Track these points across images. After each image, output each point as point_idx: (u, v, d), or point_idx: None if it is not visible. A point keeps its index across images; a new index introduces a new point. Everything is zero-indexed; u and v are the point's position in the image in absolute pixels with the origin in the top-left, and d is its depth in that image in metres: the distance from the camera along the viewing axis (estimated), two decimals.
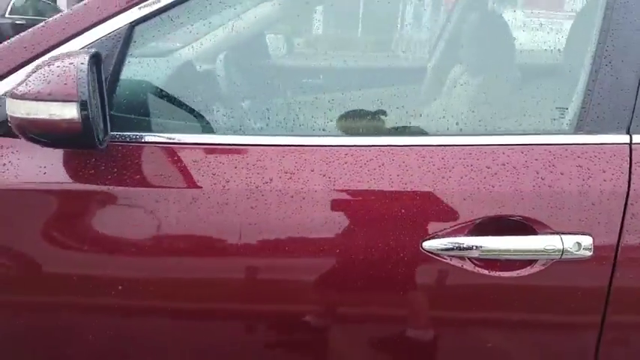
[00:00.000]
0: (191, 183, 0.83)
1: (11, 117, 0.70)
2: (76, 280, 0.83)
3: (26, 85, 0.68)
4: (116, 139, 0.83)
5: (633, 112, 0.85)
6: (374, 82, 1.14)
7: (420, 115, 1.00)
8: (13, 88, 0.70)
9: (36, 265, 0.83)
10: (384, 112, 0.94)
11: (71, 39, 0.85)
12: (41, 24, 0.88)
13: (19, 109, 0.69)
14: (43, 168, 0.81)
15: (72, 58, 0.70)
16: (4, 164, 0.81)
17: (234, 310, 0.86)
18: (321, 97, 0.99)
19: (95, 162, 0.81)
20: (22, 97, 0.68)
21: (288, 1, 1.32)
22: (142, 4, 0.86)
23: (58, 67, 0.69)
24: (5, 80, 0.84)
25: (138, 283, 0.83)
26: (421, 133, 0.93)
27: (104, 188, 0.81)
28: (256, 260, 0.83)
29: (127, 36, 0.85)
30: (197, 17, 0.93)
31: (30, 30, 0.88)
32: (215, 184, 0.81)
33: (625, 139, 0.84)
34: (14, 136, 0.78)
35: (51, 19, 0.89)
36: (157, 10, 0.86)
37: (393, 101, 0.99)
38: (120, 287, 0.82)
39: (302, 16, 1.38)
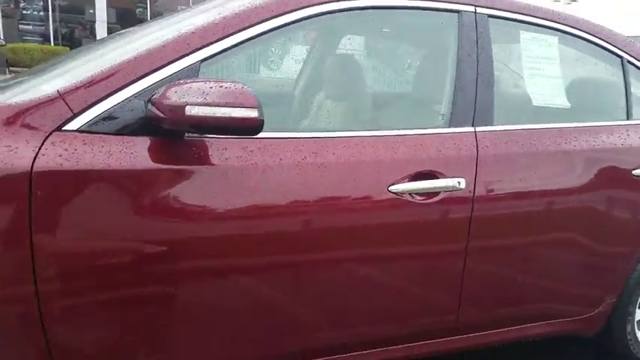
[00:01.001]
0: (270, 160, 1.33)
1: (192, 116, 1.12)
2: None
3: (206, 97, 1.11)
4: None
5: (474, 114, 1.63)
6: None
7: None
8: (188, 100, 1.11)
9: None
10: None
11: (155, 71, 1.27)
12: (131, 57, 1.27)
13: (204, 112, 1.11)
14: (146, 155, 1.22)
15: (233, 82, 1.16)
16: (132, 153, 1.20)
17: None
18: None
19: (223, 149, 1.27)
20: (208, 104, 1.11)
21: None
22: (205, 48, 1.33)
23: (232, 87, 1.14)
24: (105, 101, 1.21)
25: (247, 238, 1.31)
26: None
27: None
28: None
29: (197, 69, 1.31)
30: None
31: (120, 64, 1.26)
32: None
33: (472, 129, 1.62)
34: (135, 135, 1.19)
35: (140, 53, 1.28)
36: (215, 53, 1.34)
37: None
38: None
39: None
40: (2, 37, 12.81)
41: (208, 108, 1.12)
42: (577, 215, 1.79)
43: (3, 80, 1.79)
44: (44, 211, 1.11)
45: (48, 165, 1.11)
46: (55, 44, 15.48)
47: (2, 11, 14.90)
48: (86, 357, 1.23)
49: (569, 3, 32.90)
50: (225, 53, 1.35)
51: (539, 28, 1.87)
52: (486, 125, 1.66)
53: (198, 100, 1.12)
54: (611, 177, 1.85)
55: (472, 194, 1.56)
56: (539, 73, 1.89)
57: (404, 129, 1.57)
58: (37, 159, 1.10)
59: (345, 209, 1.43)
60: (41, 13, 15.78)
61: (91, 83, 1.22)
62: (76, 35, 16.78)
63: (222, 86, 1.14)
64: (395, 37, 2.04)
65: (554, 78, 1.93)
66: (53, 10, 15.90)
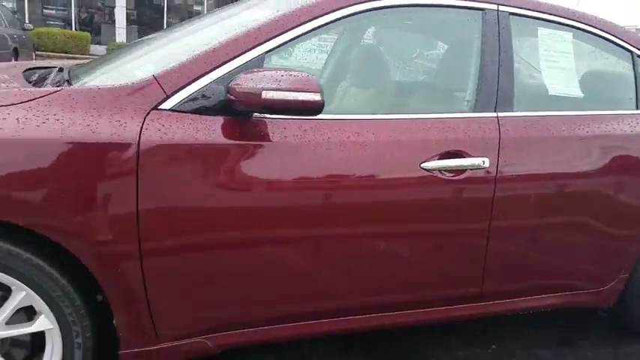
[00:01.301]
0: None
1: (266, 100, 1.35)
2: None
3: (279, 84, 1.36)
4: None
5: (496, 101, 1.85)
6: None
7: None
8: (264, 86, 1.35)
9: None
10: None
11: (230, 61, 1.51)
12: (209, 48, 1.51)
13: (277, 96, 1.36)
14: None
15: (300, 71, 1.40)
16: (213, 130, 1.44)
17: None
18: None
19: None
20: (281, 90, 1.35)
21: None
22: (268, 42, 1.56)
23: (298, 75, 1.37)
24: (191, 85, 1.46)
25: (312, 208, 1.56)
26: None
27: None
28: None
29: (262, 59, 1.55)
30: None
31: (200, 53, 1.50)
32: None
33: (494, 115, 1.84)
34: (214, 115, 1.44)
35: (217, 45, 1.52)
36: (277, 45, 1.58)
37: None
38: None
39: None
40: (28, 22, 13.09)
41: (281, 93, 1.36)
42: (587, 197, 2.00)
43: (82, 65, 2.04)
44: (147, 174, 1.36)
45: (151, 137, 1.36)
46: (75, 29, 15.77)
47: None
48: (168, 287, 1.49)
49: None
50: (284, 45, 1.59)
51: (556, 24, 2.08)
52: (507, 111, 1.88)
53: (272, 86, 1.36)
54: (622, 162, 2.06)
55: (495, 172, 1.79)
56: (554, 66, 2.10)
57: (434, 113, 1.80)
58: (142, 132, 1.36)
59: (382, 182, 1.66)
60: None
61: (180, 69, 1.46)
62: (95, 20, 17.05)
63: (291, 75, 1.38)
64: (427, 32, 2.25)
65: (569, 70, 2.14)
66: None
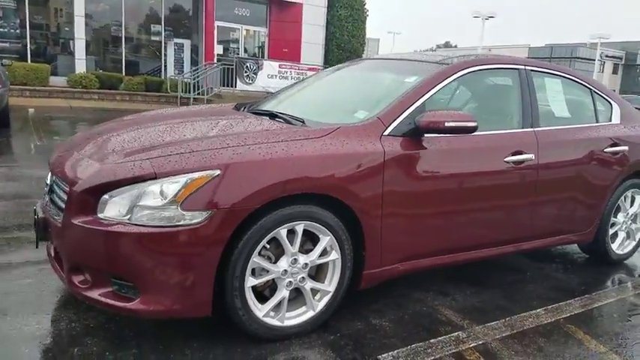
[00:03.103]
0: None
1: (448, 126, 2.57)
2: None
3: (452, 117, 2.59)
4: None
5: (532, 121, 3.20)
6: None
7: None
8: (446, 120, 2.57)
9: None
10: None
11: (411, 106, 2.73)
12: (399, 100, 2.73)
13: (454, 124, 2.58)
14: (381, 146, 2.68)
15: (458, 111, 2.64)
16: (409, 144, 2.65)
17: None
18: None
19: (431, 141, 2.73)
20: (454, 120, 2.58)
21: None
22: (425, 95, 2.80)
23: (460, 113, 2.64)
24: (395, 121, 2.66)
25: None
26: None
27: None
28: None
29: (424, 105, 2.78)
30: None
31: (396, 103, 2.71)
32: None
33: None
34: (407, 136, 2.65)
35: (402, 98, 2.74)
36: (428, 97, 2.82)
37: None
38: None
39: None
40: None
41: (454, 122, 2.61)
42: (579, 174, 3.40)
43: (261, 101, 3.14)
44: (388, 171, 2.54)
45: (386, 150, 2.55)
46: (32, 61, 15.90)
47: None
48: (399, 235, 2.66)
49: (487, 19, 36.59)
50: (431, 98, 2.84)
51: (553, 75, 3.51)
52: (537, 127, 3.24)
53: (449, 119, 2.60)
54: (592, 155, 3.48)
55: (537, 162, 3.12)
56: (555, 99, 3.53)
57: (506, 129, 3.13)
58: (383, 147, 2.54)
59: (487, 171, 2.94)
60: (18, 31, 16.14)
61: (389, 112, 2.67)
62: (51, 52, 17.21)
63: (456, 112, 2.65)
64: (495, 81, 3.56)
65: (561, 101, 3.58)
66: (30, 28, 16.29)
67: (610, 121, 3.70)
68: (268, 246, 2.36)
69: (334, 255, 2.51)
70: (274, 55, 19.11)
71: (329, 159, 2.42)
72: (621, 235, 3.86)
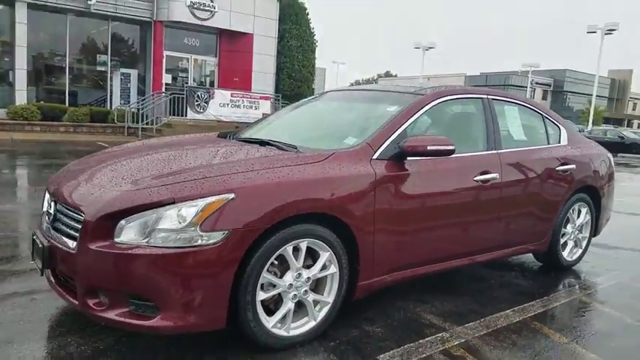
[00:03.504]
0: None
1: (429, 150, 2.89)
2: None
3: (434, 142, 2.91)
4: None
5: (495, 144, 3.60)
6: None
7: None
8: (428, 144, 2.90)
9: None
10: None
11: (394, 132, 3.03)
12: (384, 127, 3.03)
13: (435, 148, 2.90)
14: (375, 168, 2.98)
15: (439, 136, 2.97)
16: (391, 166, 2.94)
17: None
18: None
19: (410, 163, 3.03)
20: (436, 144, 2.90)
21: None
22: (405, 123, 3.12)
23: (440, 138, 2.94)
24: (382, 146, 2.95)
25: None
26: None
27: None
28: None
29: (406, 132, 3.10)
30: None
31: (382, 130, 3.01)
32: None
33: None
34: (390, 160, 2.95)
35: (387, 125, 3.04)
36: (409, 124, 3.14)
37: None
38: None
39: None
40: None
41: (435, 146, 2.93)
42: (536, 191, 3.82)
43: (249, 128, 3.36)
44: (378, 190, 2.81)
45: (376, 172, 2.83)
46: None
47: None
48: (388, 249, 2.91)
49: (427, 49, 38.67)
50: (411, 125, 3.16)
51: (510, 103, 3.95)
52: (499, 149, 3.63)
53: (431, 144, 2.92)
54: (547, 172, 3.91)
55: (501, 180, 3.50)
56: (513, 123, 3.96)
57: (475, 152, 3.50)
58: (375, 171, 2.82)
59: (461, 188, 3.28)
60: None
61: (376, 139, 2.96)
62: None
63: (437, 137, 2.97)
64: (463, 109, 3.93)
65: (518, 126, 4.02)
66: None
67: (559, 142, 4.18)
68: (276, 262, 2.55)
69: (333, 269, 2.73)
70: (224, 84, 19.28)
71: (328, 181, 2.66)
72: (570, 244, 4.30)
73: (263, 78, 20.09)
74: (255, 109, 18.05)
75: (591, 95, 36.27)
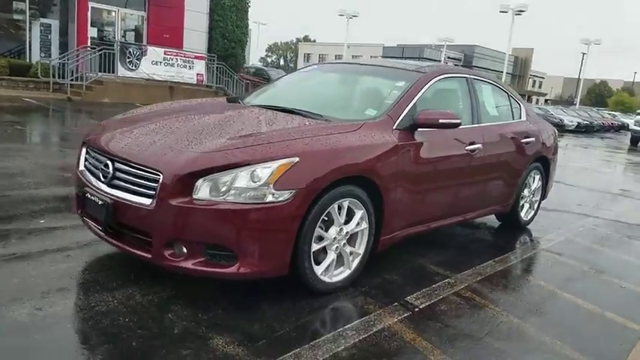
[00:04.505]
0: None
1: (440, 122, 3.36)
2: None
3: (443, 116, 3.36)
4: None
5: (478, 118, 4.17)
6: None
7: None
8: (439, 117, 3.36)
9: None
10: None
11: (409, 104, 3.47)
12: (399, 100, 3.45)
13: (445, 120, 3.36)
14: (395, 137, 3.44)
15: (447, 111, 3.43)
16: (409, 136, 3.39)
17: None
18: None
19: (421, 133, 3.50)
20: (446, 118, 3.36)
21: None
22: (415, 98, 3.56)
23: (450, 112, 3.40)
24: (400, 117, 3.38)
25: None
26: None
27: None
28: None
29: (416, 105, 3.54)
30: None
31: (399, 102, 3.43)
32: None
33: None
34: (407, 130, 3.40)
35: (404, 98, 3.46)
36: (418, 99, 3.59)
37: None
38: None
39: None
40: None
41: (445, 119, 3.40)
42: (507, 159, 4.47)
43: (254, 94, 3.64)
44: (399, 155, 3.25)
45: (398, 140, 3.26)
46: None
47: None
48: (406, 207, 3.38)
49: (351, 17, 39.45)
50: (421, 99, 3.61)
51: (486, 83, 4.53)
52: (480, 123, 4.21)
53: (441, 117, 3.38)
54: (515, 143, 4.57)
55: (483, 149, 4.08)
56: (488, 101, 4.55)
57: (463, 125, 4.02)
58: (396, 139, 3.25)
59: (457, 155, 3.81)
60: None
61: (395, 111, 3.38)
62: None
63: (447, 112, 3.44)
64: (456, 86, 4.38)
65: (492, 103, 4.62)
66: None
67: (521, 118, 4.86)
68: (326, 219, 2.92)
69: (364, 224, 3.16)
70: (154, 41, 18.46)
71: (365, 148, 3.06)
72: (526, 206, 5.07)
73: (195, 36, 19.49)
74: (190, 68, 17.62)
75: (497, 71, 39.00)
